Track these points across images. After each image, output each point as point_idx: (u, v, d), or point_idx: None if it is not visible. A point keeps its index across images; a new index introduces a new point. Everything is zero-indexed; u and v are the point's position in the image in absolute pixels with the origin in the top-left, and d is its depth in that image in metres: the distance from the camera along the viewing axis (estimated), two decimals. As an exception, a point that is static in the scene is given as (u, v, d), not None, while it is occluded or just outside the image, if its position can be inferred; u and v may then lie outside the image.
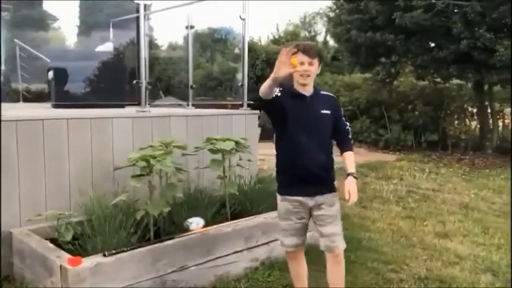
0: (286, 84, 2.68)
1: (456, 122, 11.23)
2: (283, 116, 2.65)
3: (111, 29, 7.15)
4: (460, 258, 4.07)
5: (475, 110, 11.08)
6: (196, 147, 3.72)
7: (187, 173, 3.65)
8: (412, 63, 10.35)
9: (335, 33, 11.75)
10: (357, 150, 11.24)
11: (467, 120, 11.33)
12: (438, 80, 10.69)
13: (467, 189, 6.87)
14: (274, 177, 4.96)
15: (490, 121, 10.57)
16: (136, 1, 4.53)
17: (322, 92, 2.84)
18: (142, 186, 3.22)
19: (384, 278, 3.58)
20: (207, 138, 3.73)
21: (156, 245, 3.03)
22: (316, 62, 2.66)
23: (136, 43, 6.20)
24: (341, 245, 2.76)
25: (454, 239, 4.60)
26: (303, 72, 2.63)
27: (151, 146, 3.53)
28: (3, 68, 7.54)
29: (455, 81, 11.21)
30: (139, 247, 2.97)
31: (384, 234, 4.66)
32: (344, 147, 2.87)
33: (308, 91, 2.72)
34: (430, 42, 9.61)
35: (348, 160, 2.82)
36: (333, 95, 2.94)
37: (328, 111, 2.75)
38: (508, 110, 10.96)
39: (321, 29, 23.97)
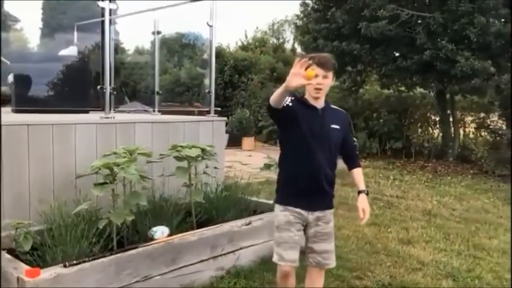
0: (298, 95, 2.65)
1: (420, 130, 11.51)
2: (295, 125, 2.58)
3: (75, 32, 6.97)
4: (423, 264, 4.16)
5: (437, 119, 11.40)
6: (162, 155, 3.67)
7: (152, 181, 3.59)
8: (377, 72, 10.59)
9: (302, 41, 11.88)
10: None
11: (430, 128, 11.64)
12: (402, 88, 10.96)
13: (430, 196, 7.04)
14: (241, 184, 4.98)
15: (452, 129, 10.89)
16: (101, 5, 4.44)
17: (333, 107, 2.78)
18: (105, 195, 3.14)
19: (348, 285, 3.61)
20: (172, 145, 3.68)
21: (119, 255, 2.96)
22: (330, 75, 2.60)
23: (101, 47, 6.08)
24: (333, 262, 2.74)
25: (416, 245, 4.70)
26: (316, 86, 2.55)
27: (115, 153, 3.45)
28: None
29: (419, 90, 11.53)
30: (101, 257, 2.89)
31: (349, 241, 4.71)
32: (352, 164, 2.84)
33: (319, 104, 2.65)
34: (394, 52, 9.86)
35: (358, 177, 2.80)
36: (343, 110, 2.87)
37: (338, 126, 2.68)
38: (468, 118, 11.32)
39: (289, 37, 24.19)
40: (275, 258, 2.68)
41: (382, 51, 9.48)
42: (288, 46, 21.84)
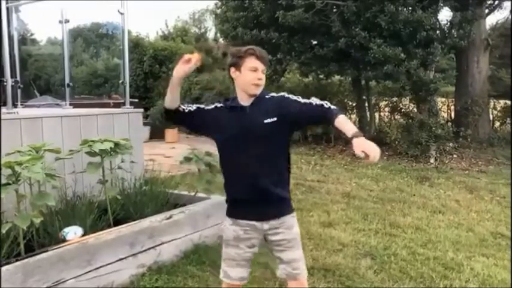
0: (231, 98, 2.36)
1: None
2: (217, 133, 2.32)
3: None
4: (343, 245, 4.29)
5: (354, 104, 11.84)
6: (71, 150, 3.45)
7: (63, 179, 3.37)
8: (296, 61, 10.76)
9: (222, 30, 11.80)
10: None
11: (347, 113, 12.05)
12: (322, 76, 11.24)
13: (349, 179, 7.31)
14: (163, 177, 4.84)
15: (368, 114, 11.37)
16: (-2, -9, 4.07)
17: (266, 97, 2.34)
18: (9, 197, 2.90)
19: (271, 272, 3.63)
20: (83, 140, 3.48)
21: (26, 261, 2.74)
22: (264, 70, 2.31)
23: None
24: (304, 271, 2.42)
25: (337, 227, 4.84)
26: (256, 82, 2.25)
27: (18, 152, 3.19)
28: None
29: (337, 77, 11.90)
30: (5, 264, 2.66)
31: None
32: (329, 117, 2.20)
33: (249, 101, 2.31)
34: (312, 40, 10.06)
35: (343, 125, 2.14)
36: (279, 94, 2.38)
37: (274, 118, 2.24)
38: (383, 103, 11.86)
39: (211, 26, 23.98)
40: (221, 275, 2.45)
41: (299, 39, 9.64)
42: (210, 35, 21.64)
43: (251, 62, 2.26)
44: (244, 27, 10.18)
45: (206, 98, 13.98)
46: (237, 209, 2.37)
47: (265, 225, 2.33)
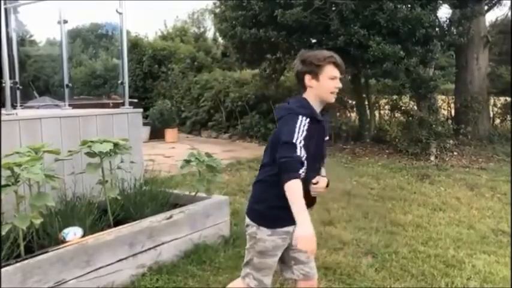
0: (307, 107, 2.25)
1: (338, 114, 11.88)
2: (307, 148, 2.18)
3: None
4: (344, 244, 4.28)
5: (354, 102, 11.82)
6: (70, 151, 3.44)
7: (62, 180, 3.37)
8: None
9: (221, 29, 11.77)
10: (248, 145, 11.45)
11: (347, 112, 12.05)
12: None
13: (349, 177, 7.30)
14: (163, 177, 4.84)
15: (368, 112, 11.36)
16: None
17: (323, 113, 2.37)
18: (8, 198, 2.89)
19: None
20: (83, 141, 3.47)
21: (26, 262, 2.74)
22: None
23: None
24: (316, 271, 2.48)
25: (338, 226, 4.83)
26: (335, 90, 2.24)
27: (17, 153, 3.19)
28: None
29: (336, 75, 11.84)
30: (5, 266, 2.66)
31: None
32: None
33: (319, 110, 2.29)
34: (310, 39, 10.04)
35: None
36: (326, 115, 2.41)
37: (327, 137, 2.40)
38: (383, 101, 11.85)
39: (210, 26, 23.94)
40: (253, 284, 2.36)
41: (298, 38, 9.60)
42: (209, 35, 21.61)
43: (331, 71, 2.24)
44: (242, 26, 10.16)
45: (206, 98, 14.00)
46: (280, 218, 2.26)
47: (293, 228, 2.26)
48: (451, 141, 9.46)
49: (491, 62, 11.52)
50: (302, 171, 2.06)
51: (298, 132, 2.11)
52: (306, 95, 2.28)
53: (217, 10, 12.55)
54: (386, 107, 11.62)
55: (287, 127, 2.14)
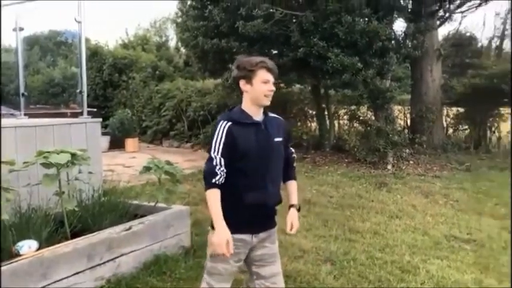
0: (236, 112, 2.37)
1: (298, 123, 12.05)
2: (237, 152, 2.28)
3: None
4: (304, 252, 4.35)
5: (314, 112, 12.02)
6: (26, 162, 3.36)
7: (16, 192, 3.27)
8: (257, 69, 10.81)
9: (183, 39, 11.75)
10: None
11: (308, 121, 12.24)
12: (282, 85, 11.36)
13: (309, 186, 7.40)
14: (123, 187, 4.77)
15: (327, 122, 11.57)
16: None
17: (271, 115, 2.47)
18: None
19: (234, 279, 3.63)
20: (38, 152, 3.39)
21: (-24, 277, 2.65)
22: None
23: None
24: (282, 284, 2.50)
25: (298, 234, 4.86)
26: (268, 93, 2.32)
27: (-32, 164, 3.09)
28: None
29: (298, 86, 12.05)
30: (-45, 282, 2.56)
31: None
32: (288, 176, 2.58)
33: (259, 115, 2.37)
34: (271, 50, 10.16)
35: (292, 190, 2.58)
36: (280, 117, 2.55)
37: (281, 138, 2.42)
38: (342, 111, 12.10)
39: (172, 35, 23.83)
40: (202, 285, 2.44)
41: (259, 49, 9.69)
42: (171, 44, 21.50)
43: (263, 75, 2.32)
44: (204, 36, 10.18)
45: (167, 107, 13.89)
46: (234, 225, 2.27)
47: (255, 239, 2.40)
48: (407, 150, 9.76)
49: (444, 74, 12.01)
50: (217, 180, 2.27)
51: (216, 141, 2.29)
52: (243, 100, 2.39)
53: (179, 20, 12.53)
54: (345, 117, 11.89)
55: (212, 138, 2.33)
